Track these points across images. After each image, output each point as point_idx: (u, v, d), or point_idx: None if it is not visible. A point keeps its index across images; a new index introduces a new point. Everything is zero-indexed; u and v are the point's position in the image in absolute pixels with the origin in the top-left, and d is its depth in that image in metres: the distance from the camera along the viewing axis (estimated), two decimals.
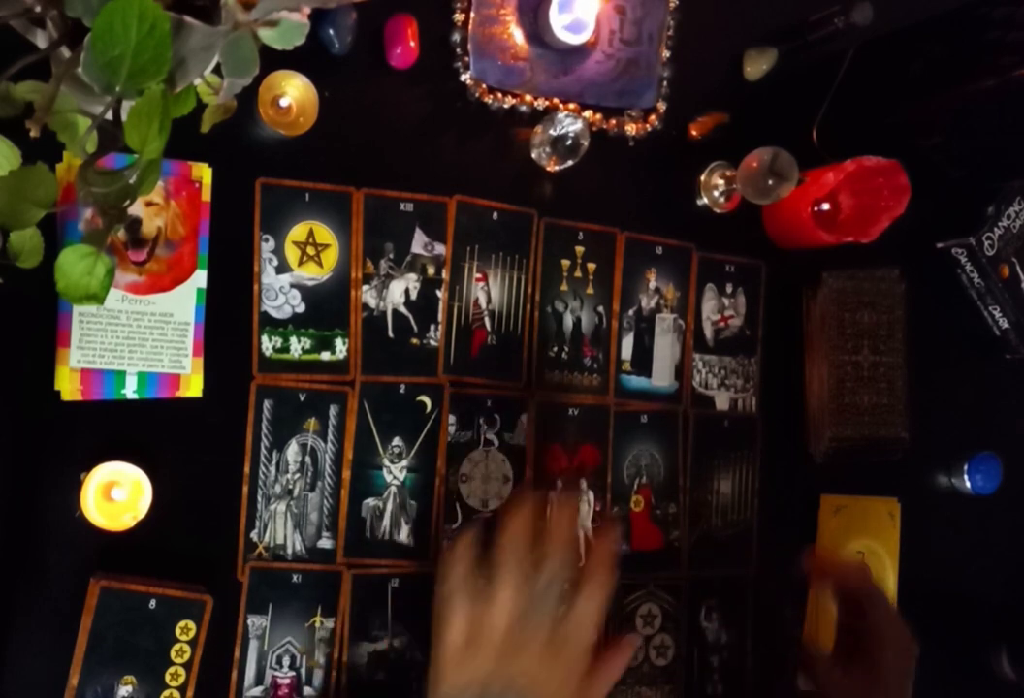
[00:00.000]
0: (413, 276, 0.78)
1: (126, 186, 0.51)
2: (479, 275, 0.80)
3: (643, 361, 0.85)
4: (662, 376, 0.86)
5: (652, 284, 0.86)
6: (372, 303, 0.76)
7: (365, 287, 0.76)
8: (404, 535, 0.77)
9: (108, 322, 0.69)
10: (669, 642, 0.86)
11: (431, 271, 0.78)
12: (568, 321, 0.82)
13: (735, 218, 0.89)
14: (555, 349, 0.82)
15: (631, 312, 0.85)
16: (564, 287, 0.81)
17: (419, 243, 0.78)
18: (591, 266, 0.83)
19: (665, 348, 0.86)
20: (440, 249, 0.78)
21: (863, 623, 0.75)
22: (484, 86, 0.79)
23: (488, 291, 0.80)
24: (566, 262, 0.82)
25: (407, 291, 0.78)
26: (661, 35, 0.85)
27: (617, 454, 0.84)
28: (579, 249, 0.82)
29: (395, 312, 0.77)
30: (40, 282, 0.58)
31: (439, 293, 0.78)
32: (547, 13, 0.78)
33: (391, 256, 0.77)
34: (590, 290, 0.82)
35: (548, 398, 0.81)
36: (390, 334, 0.77)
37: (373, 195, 0.76)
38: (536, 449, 0.80)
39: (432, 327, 0.78)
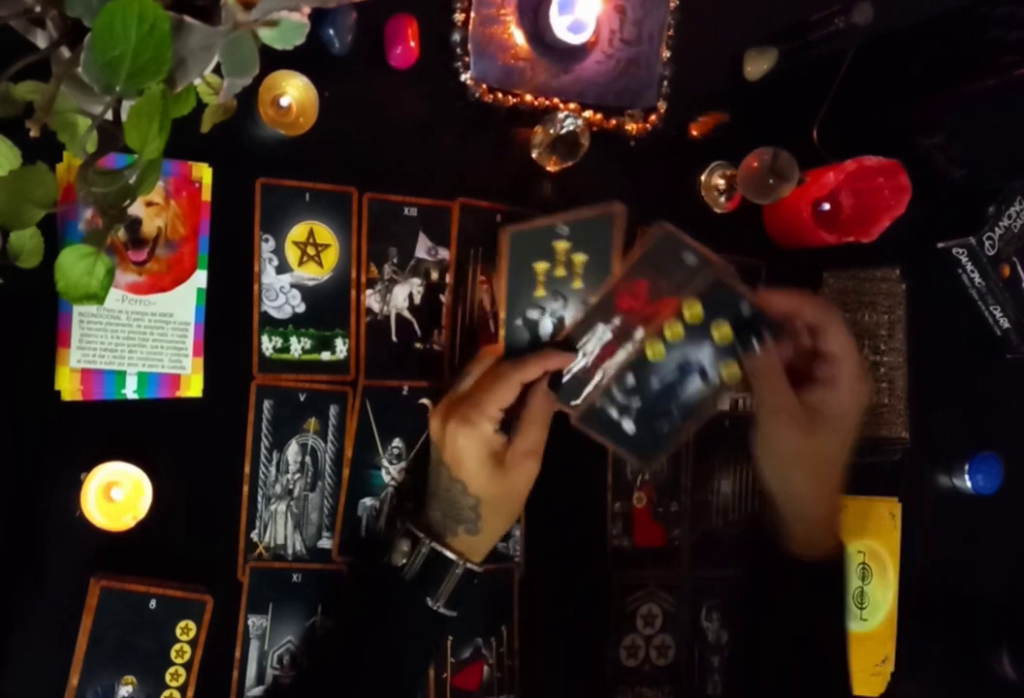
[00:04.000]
0: (417, 280, 0.78)
1: (126, 186, 0.51)
2: (483, 278, 0.80)
3: None
4: None
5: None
6: (376, 307, 0.76)
7: (369, 291, 0.76)
8: None
9: (108, 322, 0.69)
10: (670, 642, 0.86)
11: (435, 275, 0.78)
12: (547, 325, 0.72)
13: (735, 218, 0.89)
14: None
15: None
16: (540, 292, 0.71)
17: (423, 247, 0.78)
18: (578, 259, 0.71)
19: None
20: (444, 253, 0.78)
21: (821, 353, 0.68)
22: (484, 86, 0.79)
23: (492, 294, 0.80)
24: (541, 266, 0.70)
25: (411, 295, 0.78)
26: (661, 35, 0.85)
27: None
28: (560, 245, 0.70)
29: (399, 316, 0.77)
30: (40, 282, 0.58)
31: (442, 297, 0.78)
32: (547, 13, 0.78)
33: (395, 261, 0.77)
34: (577, 284, 0.71)
35: None
36: (393, 338, 0.77)
37: (377, 200, 0.76)
38: None
39: (435, 331, 0.78)
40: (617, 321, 0.70)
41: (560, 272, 0.70)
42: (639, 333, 0.70)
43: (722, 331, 0.67)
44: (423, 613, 0.67)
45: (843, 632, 0.71)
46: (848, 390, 0.67)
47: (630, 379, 0.70)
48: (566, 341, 0.71)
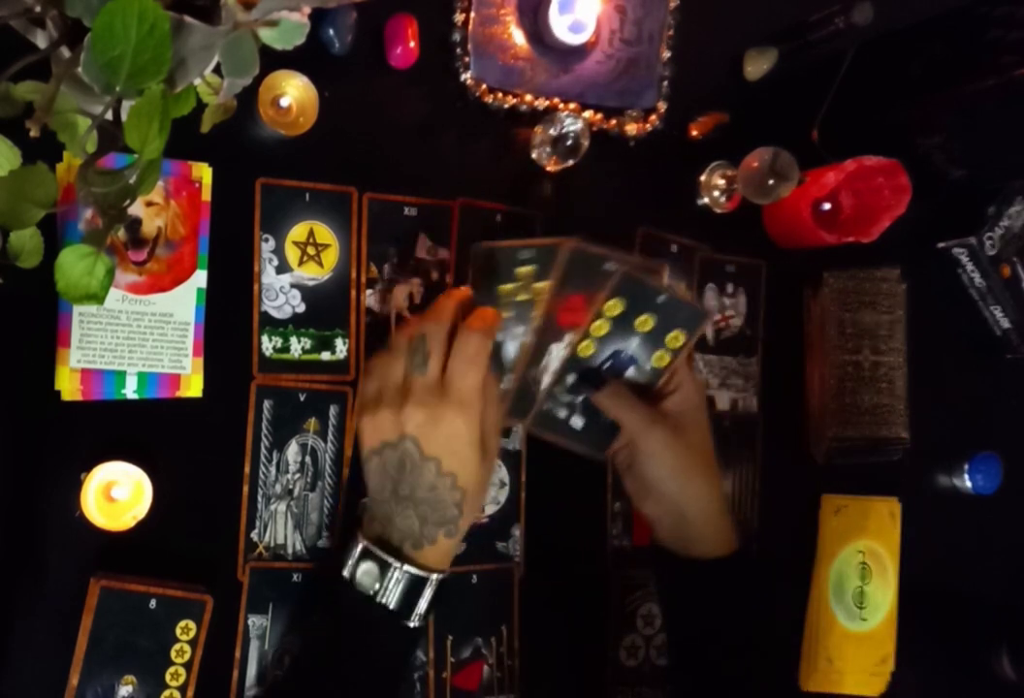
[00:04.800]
0: (417, 281, 0.78)
1: (126, 186, 0.51)
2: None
3: None
4: None
5: (665, 282, 0.85)
6: (376, 307, 0.76)
7: (369, 291, 0.76)
8: None
9: (108, 322, 0.69)
10: None
11: (435, 275, 0.78)
12: (509, 350, 0.72)
13: (735, 218, 0.89)
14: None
15: None
16: (506, 314, 0.71)
17: (423, 248, 0.78)
18: (539, 286, 0.70)
19: None
20: (444, 253, 0.78)
21: None
22: (484, 86, 0.79)
23: None
24: (506, 288, 0.71)
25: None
26: (661, 35, 0.85)
27: None
28: (524, 270, 0.71)
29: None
30: (40, 282, 0.58)
31: None
32: (547, 13, 0.78)
33: (395, 261, 0.77)
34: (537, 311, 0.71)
35: None
36: None
37: (377, 199, 0.76)
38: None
39: None
40: (568, 338, 0.72)
41: (523, 296, 0.71)
42: None
43: (646, 322, 0.72)
44: (399, 632, 0.64)
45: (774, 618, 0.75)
46: (692, 387, 0.73)
47: (570, 378, 0.73)
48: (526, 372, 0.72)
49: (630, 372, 0.73)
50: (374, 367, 0.67)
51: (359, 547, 0.64)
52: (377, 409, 0.64)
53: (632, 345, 0.73)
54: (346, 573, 0.64)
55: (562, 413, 0.74)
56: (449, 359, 0.64)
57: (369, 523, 0.66)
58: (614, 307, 0.71)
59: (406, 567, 0.63)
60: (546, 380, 0.72)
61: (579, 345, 0.71)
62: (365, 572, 0.63)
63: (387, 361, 0.66)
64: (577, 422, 0.74)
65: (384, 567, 0.63)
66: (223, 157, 0.72)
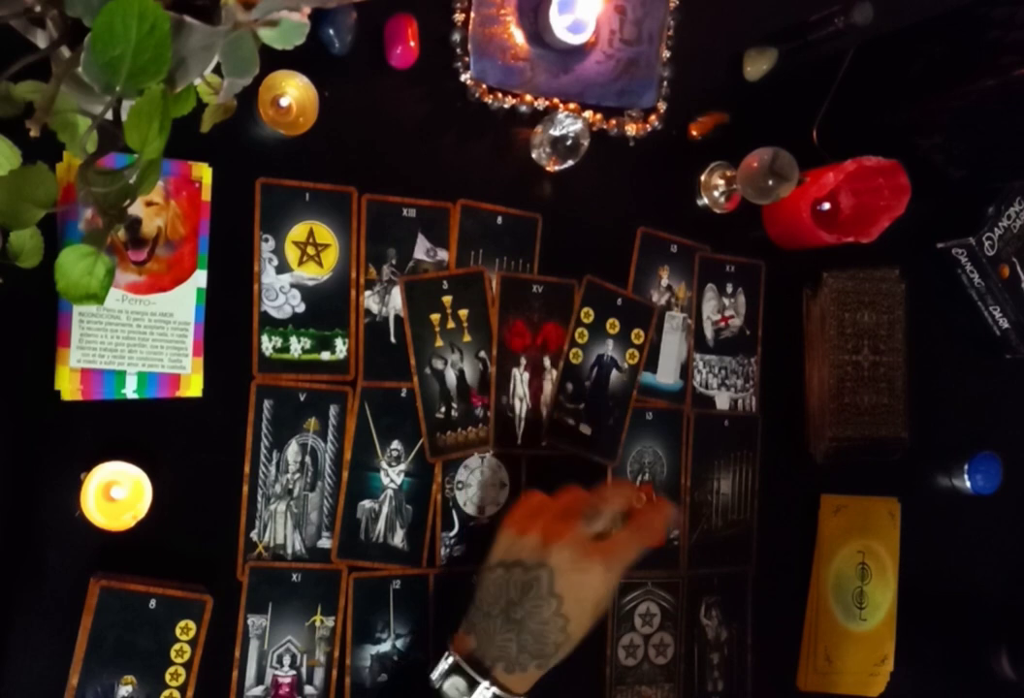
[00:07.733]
0: None
1: (126, 186, 0.51)
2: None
3: (649, 357, 0.85)
4: (667, 374, 0.86)
5: (664, 282, 0.86)
6: (375, 309, 0.76)
7: (368, 293, 0.76)
8: (398, 539, 0.77)
9: (108, 322, 0.69)
10: (668, 640, 0.86)
11: None
12: (451, 377, 0.77)
13: (735, 218, 0.89)
14: (443, 409, 0.77)
15: None
16: (439, 343, 0.77)
17: (421, 249, 0.78)
18: (462, 313, 0.77)
19: (672, 346, 0.86)
20: (443, 255, 0.78)
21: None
22: (484, 86, 0.79)
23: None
24: (435, 316, 0.77)
25: None
26: (661, 35, 0.85)
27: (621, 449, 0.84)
28: (446, 298, 0.77)
29: (397, 318, 0.77)
30: (40, 282, 0.58)
31: None
32: (547, 13, 0.78)
33: (393, 262, 0.77)
34: (467, 337, 0.77)
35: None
36: (392, 340, 0.77)
37: (376, 200, 0.76)
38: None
39: None
40: (523, 360, 0.78)
41: (451, 324, 0.77)
42: (547, 360, 0.79)
43: (613, 325, 0.80)
44: None
45: None
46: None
47: (569, 386, 0.79)
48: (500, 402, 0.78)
49: (614, 374, 0.80)
50: (540, 498, 0.70)
51: (450, 661, 0.66)
52: (528, 528, 0.67)
53: (609, 348, 0.80)
54: (434, 681, 0.66)
55: (571, 421, 0.79)
56: (626, 527, 0.69)
57: (466, 634, 0.68)
58: (587, 315, 0.78)
59: (493, 689, 0.65)
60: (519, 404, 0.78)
61: (571, 354, 0.78)
62: (453, 685, 0.65)
63: (564, 497, 0.70)
64: (585, 429, 0.79)
65: (472, 684, 0.65)
66: (223, 157, 0.72)
